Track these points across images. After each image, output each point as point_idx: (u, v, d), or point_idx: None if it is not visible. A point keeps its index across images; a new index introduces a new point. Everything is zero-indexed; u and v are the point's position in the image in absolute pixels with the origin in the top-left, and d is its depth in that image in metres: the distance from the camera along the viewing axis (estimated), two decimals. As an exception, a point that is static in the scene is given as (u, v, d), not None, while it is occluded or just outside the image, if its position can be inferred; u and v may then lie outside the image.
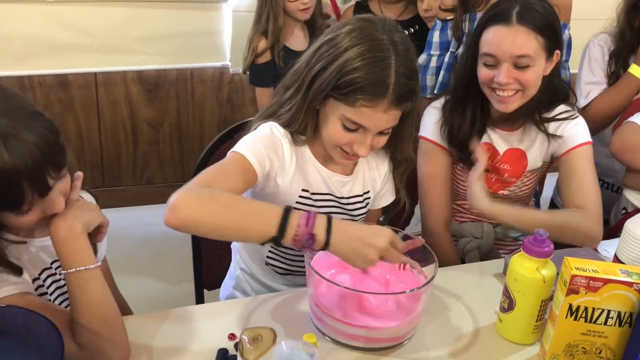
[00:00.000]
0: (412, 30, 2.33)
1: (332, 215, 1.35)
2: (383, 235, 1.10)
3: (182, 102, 3.12)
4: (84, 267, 1.01)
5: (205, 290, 1.73)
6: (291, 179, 1.32)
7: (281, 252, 1.45)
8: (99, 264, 1.03)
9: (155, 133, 3.15)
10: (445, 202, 1.63)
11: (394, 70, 1.17)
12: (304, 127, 1.29)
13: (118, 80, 2.97)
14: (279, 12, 2.33)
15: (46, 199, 0.97)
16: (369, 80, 1.16)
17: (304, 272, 1.44)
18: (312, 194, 1.36)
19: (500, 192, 1.67)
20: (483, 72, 1.49)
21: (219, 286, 1.69)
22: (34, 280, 1.10)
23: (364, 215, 1.47)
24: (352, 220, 1.42)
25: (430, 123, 1.62)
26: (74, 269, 1.00)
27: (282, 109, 1.31)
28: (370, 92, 1.16)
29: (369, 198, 1.45)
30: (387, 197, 1.49)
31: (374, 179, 1.45)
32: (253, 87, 2.52)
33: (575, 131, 1.56)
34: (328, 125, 1.25)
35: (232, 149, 1.25)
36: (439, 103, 1.63)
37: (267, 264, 1.47)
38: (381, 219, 1.26)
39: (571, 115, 1.58)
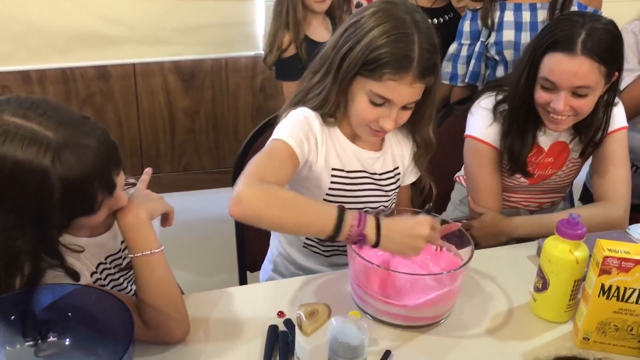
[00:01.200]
0: (446, 18, 2.36)
1: (367, 191, 1.42)
2: (424, 223, 1.17)
3: (217, 91, 3.20)
4: (149, 251, 1.08)
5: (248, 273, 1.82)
6: (325, 159, 1.38)
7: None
8: (162, 247, 1.10)
9: (192, 121, 3.24)
10: (496, 194, 1.64)
11: (418, 46, 1.23)
12: (335, 107, 1.35)
13: (155, 70, 3.06)
14: (297, 5, 2.35)
15: (113, 196, 1.04)
16: (395, 55, 1.22)
17: (341, 251, 1.52)
18: (348, 172, 1.42)
19: (540, 182, 1.71)
20: (540, 95, 1.49)
21: (259, 269, 1.77)
22: (92, 274, 1.17)
23: (396, 191, 1.52)
24: (386, 195, 1.48)
25: (480, 124, 1.62)
26: (140, 253, 1.08)
27: (310, 93, 1.38)
28: (396, 66, 1.23)
29: (399, 173, 1.51)
30: (414, 173, 1.55)
31: (402, 155, 1.51)
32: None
33: (612, 115, 1.58)
34: (355, 103, 1.31)
35: (273, 137, 1.32)
36: (488, 103, 1.63)
37: (305, 245, 1.54)
38: (428, 206, 1.31)
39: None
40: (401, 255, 1.19)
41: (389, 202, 1.50)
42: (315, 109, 1.36)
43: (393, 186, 1.50)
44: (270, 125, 1.68)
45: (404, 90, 1.26)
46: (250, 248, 1.79)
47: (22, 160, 0.91)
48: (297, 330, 0.96)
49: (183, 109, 3.19)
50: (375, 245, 1.15)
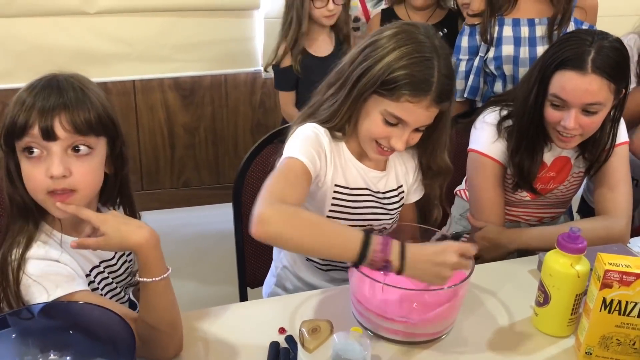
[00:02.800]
0: (440, 34, 2.38)
1: (370, 209, 1.42)
2: (450, 251, 1.15)
3: (217, 107, 3.22)
4: (166, 274, 1.06)
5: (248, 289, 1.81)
6: (332, 175, 1.39)
7: None
8: (170, 270, 1.08)
9: (191, 137, 3.25)
10: (499, 208, 1.64)
11: (437, 71, 1.25)
12: (344, 122, 1.35)
13: (155, 87, 3.07)
14: (304, 18, 2.38)
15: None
16: (415, 78, 1.24)
17: (339, 267, 1.52)
18: (351, 189, 1.42)
19: (542, 197, 1.70)
20: (550, 113, 1.49)
21: (260, 284, 1.76)
22: (86, 276, 1.17)
23: (399, 210, 1.52)
24: (388, 214, 1.48)
25: (484, 139, 1.62)
26: (159, 277, 1.05)
27: (322, 106, 1.38)
28: (415, 88, 1.24)
29: (403, 192, 1.51)
30: (418, 192, 1.55)
31: (406, 173, 1.51)
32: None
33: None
34: (368, 120, 1.32)
35: (286, 155, 1.32)
36: (492, 118, 1.63)
37: (309, 259, 1.54)
38: (455, 232, 1.31)
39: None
40: (427, 283, 1.16)
41: (392, 220, 1.50)
42: (323, 122, 1.37)
43: (396, 205, 1.50)
44: (270, 142, 1.70)
45: (420, 113, 1.27)
46: (250, 264, 1.79)
47: None
48: (300, 347, 0.95)
49: (183, 124, 3.21)
50: (399, 272, 1.13)
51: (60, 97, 1.04)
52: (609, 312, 1.14)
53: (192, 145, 3.27)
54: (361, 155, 1.42)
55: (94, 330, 0.99)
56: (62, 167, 1.04)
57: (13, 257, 1.06)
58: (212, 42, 3.02)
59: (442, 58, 1.26)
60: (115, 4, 2.80)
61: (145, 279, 1.05)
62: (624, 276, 1.10)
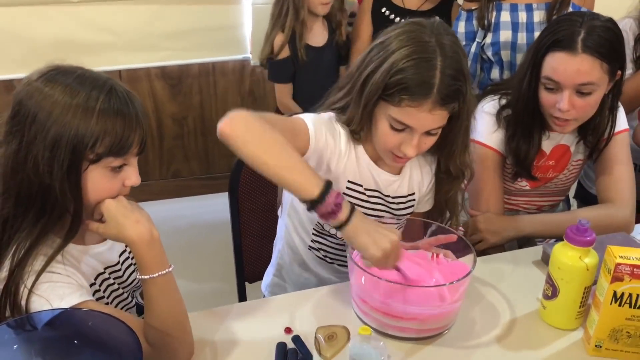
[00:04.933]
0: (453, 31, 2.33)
1: (377, 211, 1.40)
2: (396, 232, 1.15)
3: (205, 96, 3.17)
4: (165, 271, 1.04)
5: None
6: (344, 169, 1.35)
7: (322, 240, 1.49)
8: (172, 266, 1.06)
9: (180, 127, 3.20)
10: (499, 197, 1.63)
11: (440, 71, 1.19)
12: (360, 128, 1.32)
13: (142, 76, 3.02)
14: (301, 7, 2.34)
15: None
16: (414, 81, 1.19)
17: (345, 261, 1.50)
18: (365, 189, 1.39)
19: (541, 185, 1.70)
20: (545, 96, 1.49)
21: (259, 279, 1.74)
22: (91, 285, 1.14)
23: (408, 217, 1.48)
24: (396, 218, 1.45)
25: (484, 129, 1.61)
26: (157, 274, 1.03)
27: (332, 107, 1.35)
28: (415, 92, 1.19)
29: (414, 200, 1.47)
30: (429, 202, 1.51)
31: (421, 182, 1.46)
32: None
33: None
34: (378, 127, 1.28)
35: (296, 115, 1.29)
36: (491, 107, 1.62)
37: (311, 248, 1.51)
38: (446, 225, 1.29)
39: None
40: (362, 248, 1.13)
41: (398, 226, 1.46)
42: (345, 122, 1.33)
43: (404, 211, 1.47)
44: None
45: (424, 117, 1.22)
46: (248, 258, 1.76)
47: None
48: (316, 355, 0.93)
49: (171, 114, 3.16)
50: (345, 222, 1.11)
51: (133, 107, 1.04)
52: (620, 305, 1.13)
53: (181, 136, 3.23)
54: (377, 158, 1.39)
55: (98, 339, 0.96)
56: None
57: (18, 270, 1.01)
58: (199, 29, 2.96)
59: (447, 57, 1.20)
60: (99, -8, 2.73)
61: (142, 276, 1.04)
62: (634, 269, 1.09)
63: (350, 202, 1.14)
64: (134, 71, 2.98)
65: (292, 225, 1.51)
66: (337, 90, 1.36)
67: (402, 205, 1.46)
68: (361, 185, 1.39)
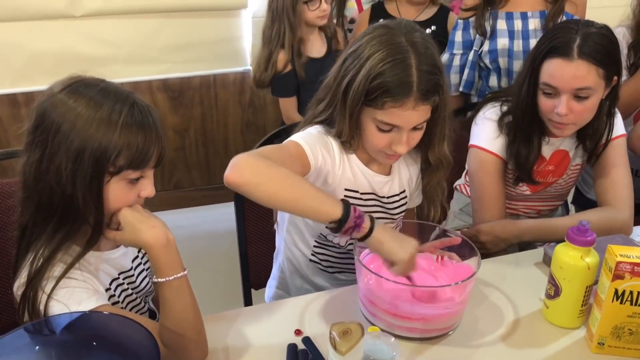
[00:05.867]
0: (431, 30, 2.38)
1: (374, 213, 1.44)
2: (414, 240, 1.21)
3: (206, 108, 3.20)
4: (181, 274, 1.07)
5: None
6: (340, 179, 1.39)
7: (324, 250, 1.52)
8: (186, 271, 1.09)
9: (182, 139, 3.23)
10: (501, 203, 1.65)
11: (416, 69, 1.22)
12: (350, 137, 1.35)
13: (144, 89, 3.04)
14: (298, 24, 2.35)
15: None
16: (393, 82, 1.22)
17: (346, 269, 1.53)
18: (361, 193, 1.43)
19: (541, 190, 1.73)
20: (543, 102, 1.52)
21: (264, 286, 1.76)
22: (106, 290, 1.16)
23: (402, 214, 1.53)
24: (392, 218, 1.49)
25: (486, 135, 1.64)
26: (172, 277, 1.05)
27: (316, 119, 1.38)
28: (396, 93, 1.22)
29: (406, 197, 1.51)
30: (419, 197, 1.56)
31: (410, 178, 1.51)
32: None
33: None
34: (366, 132, 1.31)
35: (288, 139, 1.32)
36: (493, 114, 1.65)
37: (312, 260, 1.54)
38: (449, 229, 1.33)
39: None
40: (391, 251, 1.18)
41: (394, 225, 1.49)
42: (336, 135, 1.36)
43: (399, 209, 1.50)
44: (271, 142, 1.69)
45: (409, 115, 1.25)
46: (254, 265, 1.78)
47: None
48: (331, 350, 0.96)
49: (172, 126, 3.18)
50: (369, 232, 1.16)
51: (153, 121, 1.07)
52: (621, 302, 1.16)
53: (182, 147, 3.25)
54: (369, 161, 1.42)
55: (117, 341, 0.98)
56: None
57: (37, 277, 1.04)
58: (200, 42, 3.00)
59: (420, 53, 1.23)
60: (101, 7, 2.76)
61: (158, 279, 1.06)
62: (635, 267, 1.12)
63: (367, 212, 1.19)
64: (136, 84, 3.01)
65: (292, 239, 1.54)
66: (317, 102, 1.38)
67: (396, 204, 1.49)
68: (357, 192, 1.42)
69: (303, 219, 1.46)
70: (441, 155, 1.41)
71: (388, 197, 1.47)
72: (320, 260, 1.53)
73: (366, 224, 1.17)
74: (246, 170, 1.13)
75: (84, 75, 1.08)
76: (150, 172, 1.10)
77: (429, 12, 2.44)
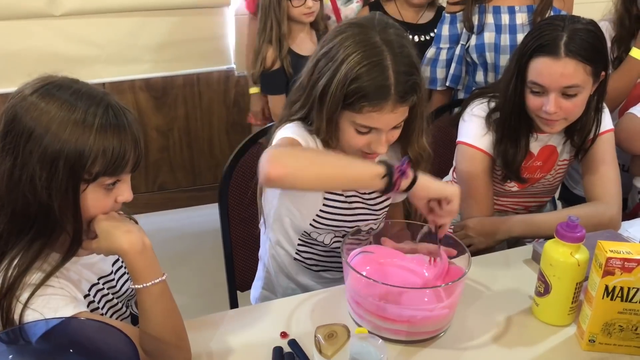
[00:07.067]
0: (431, 35, 2.30)
1: (357, 209, 1.43)
2: None
3: (190, 107, 3.16)
4: (159, 279, 1.03)
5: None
6: None
7: (308, 249, 1.50)
8: (166, 274, 1.05)
9: (165, 139, 3.18)
10: (489, 199, 1.64)
11: (393, 71, 1.20)
12: (329, 137, 1.32)
13: (126, 88, 3.00)
14: (283, 19, 2.34)
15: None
16: (371, 87, 1.19)
17: (331, 267, 1.52)
18: (341, 194, 1.40)
19: (529, 186, 1.72)
20: (531, 100, 1.50)
21: (249, 288, 1.74)
22: (85, 296, 1.12)
23: (386, 210, 1.50)
24: (374, 214, 1.47)
25: (474, 132, 1.62)
26: (150, 282, 1.02)
27: (292, 118, 1.35)
28: (374, 97, 1.20)
29: None
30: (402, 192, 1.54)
31: None
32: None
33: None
34: (345, 133, 1.29)
35: (280, 136, 1.30)
36: (480, 110, 1.63)
37: (296, 259, 1.52)
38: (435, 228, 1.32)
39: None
40: (444, 190, 1.22)
41: (378, 221, 1.48)
42: (315, 131, 1.33)
43: (381, 205, 1.48)
44: (255, 141, 1.67)
45: (387, 118, 1.24)
46: (239, 266, 1.76)
47: None
48: (316, 353, 0.93)
49: (156, 127, 3.14)
50: (415, 178, 1.20)
51: (129, 124, 1.02)
52: (612, 299, 1.14)
53: (166, 148, 3.21)
54: None
55: (95, 349, 0.95)
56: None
57: (13, 287, 1.00)
58: (182, 41, 2.96)
59: (396, 53, 1.21)
60: (81, 6, 2.71)
61: (136, 285, 1.03)
62: (625, 263, 1.10)
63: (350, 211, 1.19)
64: (118, 84, 2.96)
65: (276, 238, 1.52)
66: (291, 104, 1.36)
67: (378, 200, 1.47)
68: (338, 193, 1.40)
69: (288, 216, 1.45)
70: (421, 149, 1.40)
71: (369, 194, 1.45)
72: (305, 258, 1.52)
73: (410, 170, 1.18)
74: (284, 159, 1.13)
75: (55, 76, 1.03)
76: (127, 176, 1.06)
77: (429, 15, 2.40)
